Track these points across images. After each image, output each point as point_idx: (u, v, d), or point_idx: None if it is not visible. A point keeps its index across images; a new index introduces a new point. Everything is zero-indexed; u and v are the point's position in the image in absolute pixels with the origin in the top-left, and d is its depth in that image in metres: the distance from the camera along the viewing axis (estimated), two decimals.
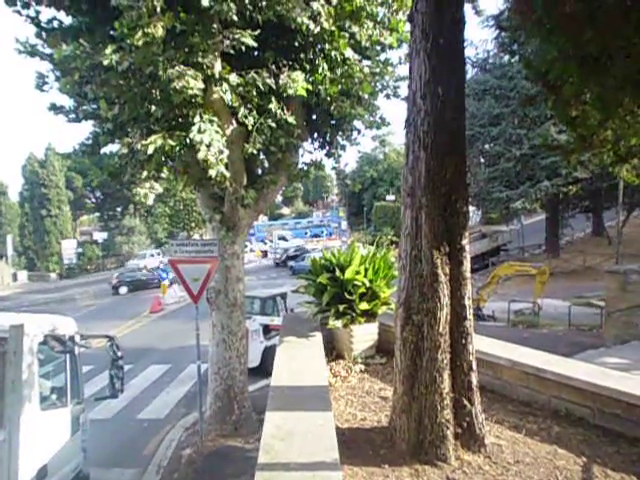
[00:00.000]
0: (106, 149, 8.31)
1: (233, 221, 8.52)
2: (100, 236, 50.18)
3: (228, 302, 8.70)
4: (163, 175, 7.55)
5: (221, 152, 6.60)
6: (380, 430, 3.64)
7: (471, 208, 37.66)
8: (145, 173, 7.12)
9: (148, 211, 53.45)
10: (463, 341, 3.25)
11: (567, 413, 3.78)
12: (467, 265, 3.28)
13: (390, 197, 56.11)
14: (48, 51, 7.11)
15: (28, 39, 7.00)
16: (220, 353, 8.72)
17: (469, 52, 24.56)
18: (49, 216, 46.70)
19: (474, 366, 3.31)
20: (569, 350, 10.02)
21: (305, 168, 9.41)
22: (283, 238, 58.33)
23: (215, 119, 6.78)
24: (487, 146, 27.79)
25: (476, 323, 3.62)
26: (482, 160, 29.08)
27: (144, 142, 6.38)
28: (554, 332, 14.04)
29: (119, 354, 6.01)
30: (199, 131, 6.42)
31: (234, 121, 7.54)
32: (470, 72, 27.14)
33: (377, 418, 3.87)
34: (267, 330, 13.36)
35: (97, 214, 59.03)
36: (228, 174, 6.93)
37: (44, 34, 7.04)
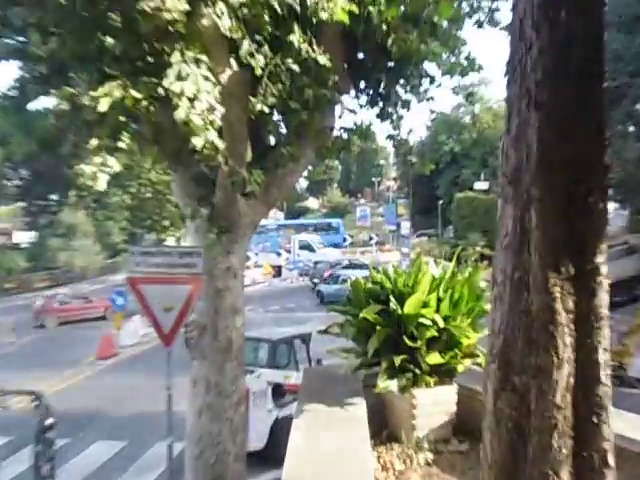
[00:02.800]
0: (37, 104, 8.52)
1: (229, 218, 8.60)
2: (24, 238, 51.37)
3: (218, 346, 8.76)
4: (122, 145, 7.68)
5: (212, 110, 6.67)
6: None
7: (612, 205, 36.99)
8: (95, 141, 7.26)
9: (98, 201, 54.57)
10: (595, 419, 3.19)
11: None
12: (604, 297, 3.22)
13: (481, 184, 55.69)
14: None
15: None
16: (204, 426, 8.78)
17: None
18: None
19: (611, 460, 3.24)
20: None
21: (345, 136, 9.43)
22: (307, 247, 58.69)
23: (204, 58, 6.86)
24: None
25: (616, 390, 3.54)
26: (631, 128, 28.51)
27: (94, 93, 6.50)
28: None
29: (49, 421, 6.14)
30: (179, 77, 6.50)
31: (234, 62, 7.62)
32: None
33: None
34: (279, 392, 13.40)
35: (20, 204, 60.53)
36: (222, 144, 6.99)
37: None
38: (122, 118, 7.24)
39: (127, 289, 9.29)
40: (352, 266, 43.40)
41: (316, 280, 44.25)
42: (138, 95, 6.73)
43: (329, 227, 70.50)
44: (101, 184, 7.07)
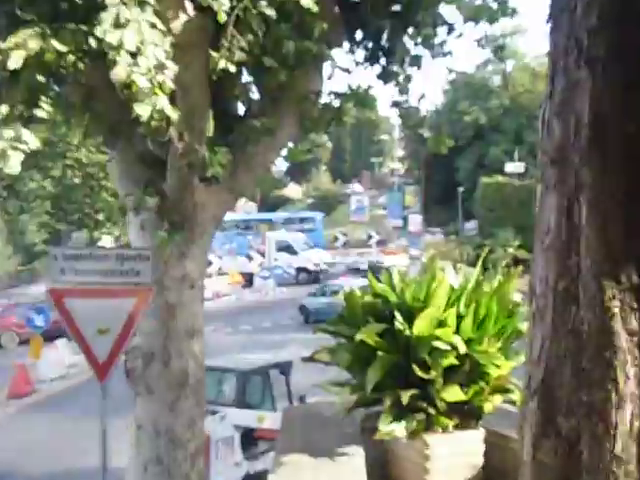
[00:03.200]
0: None
1: (184, 211, 8.57)
2: None
3: (170, 379, 8.73)
4: (41, 113, 7.64)
5: (161, 68, 6.65)
6: None
7: None
8: (4, 108, 7.22)
9: (10, 187, 54.24)
10: None
11: None
12: None
13: (514, 166, 55.95)
14: None
15: None
16: None
17: None
18: None
19: None
20: None
21: (336, 103, 9.42)
22: (287, 248, 58.69)
23: None
24: None
25: None
26: None
27: (3, 44, 6.46)
28: None
29: None
30: (117, 24, 6.47)
31: (189, 4, 7.60)
32: None
33: None
34: (250, 439, 13.38)
35: None
36: (175, 114, 6.97)
37: None
38: (41, 78, 7.20)
39: (49, 304, 9.21)
40: (377, 270, 43.50)
41: None
42: (62, 47, 6.69)
43: (303, 223, 69.74)
44: (13, 165, 7.03)
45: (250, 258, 58.54)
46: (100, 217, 50.24)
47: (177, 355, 8.77)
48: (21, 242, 54.19)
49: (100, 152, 28.86)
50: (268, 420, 13.32)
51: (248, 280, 54.44)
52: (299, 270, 55.26)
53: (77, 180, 49.59)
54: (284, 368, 15.07)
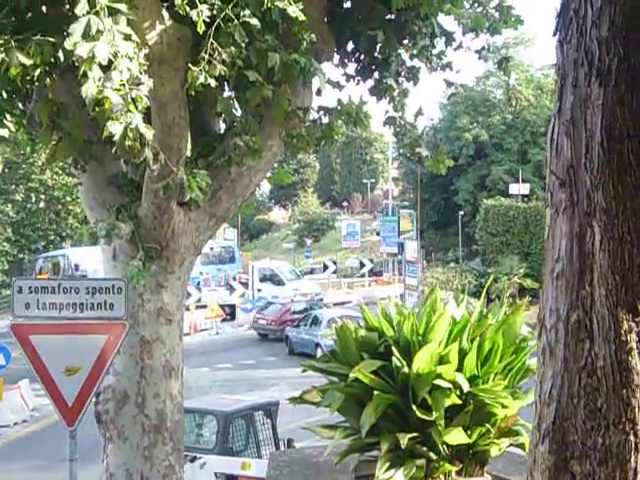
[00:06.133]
0: None
1: (160, 238, 8.54)
2: None
3: (145, 422, 8.67)
4: (3, 132, 7.63)
5: (136, 83, 6.65)
6: None
7: None
8: None
9: None
10: None
11: None
12: None
13: (518, 187, 55.95)
14: None
15: None
16: None
17: None
18: None
19: None
20: None
21: (325, 120, 9.41)
22: (272, 278, 58.33)
23: (123, 8, 6.84)
24: None
25: None
26: None
27: None
28: None
29: None
30: (86, 35, 6.48)
31: (166, 14, 7.62)
32: None
33: None
34: None
35: None
36: (150, 133, 6.96)
37: None
38: (3, 94, 7.19)
39: (12, 342, 9.12)
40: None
41: None
42: (27, 61, 6.69)
43: (222, 255, 68.28)
44: None
45: (232, 289, 58.16)
46: (67, 245, 49.98)
47: (153, 396, 8.71)
48: None
49: (67, 174, 28.75)
50: (253, 467, 13.21)
51: (229, 313, 54.05)
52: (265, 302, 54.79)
53: (41, 205, 49.37)
54: (270, 409, 14.98)
